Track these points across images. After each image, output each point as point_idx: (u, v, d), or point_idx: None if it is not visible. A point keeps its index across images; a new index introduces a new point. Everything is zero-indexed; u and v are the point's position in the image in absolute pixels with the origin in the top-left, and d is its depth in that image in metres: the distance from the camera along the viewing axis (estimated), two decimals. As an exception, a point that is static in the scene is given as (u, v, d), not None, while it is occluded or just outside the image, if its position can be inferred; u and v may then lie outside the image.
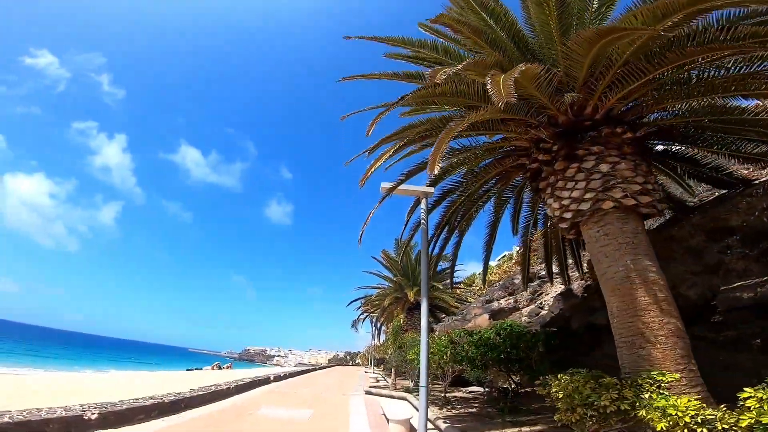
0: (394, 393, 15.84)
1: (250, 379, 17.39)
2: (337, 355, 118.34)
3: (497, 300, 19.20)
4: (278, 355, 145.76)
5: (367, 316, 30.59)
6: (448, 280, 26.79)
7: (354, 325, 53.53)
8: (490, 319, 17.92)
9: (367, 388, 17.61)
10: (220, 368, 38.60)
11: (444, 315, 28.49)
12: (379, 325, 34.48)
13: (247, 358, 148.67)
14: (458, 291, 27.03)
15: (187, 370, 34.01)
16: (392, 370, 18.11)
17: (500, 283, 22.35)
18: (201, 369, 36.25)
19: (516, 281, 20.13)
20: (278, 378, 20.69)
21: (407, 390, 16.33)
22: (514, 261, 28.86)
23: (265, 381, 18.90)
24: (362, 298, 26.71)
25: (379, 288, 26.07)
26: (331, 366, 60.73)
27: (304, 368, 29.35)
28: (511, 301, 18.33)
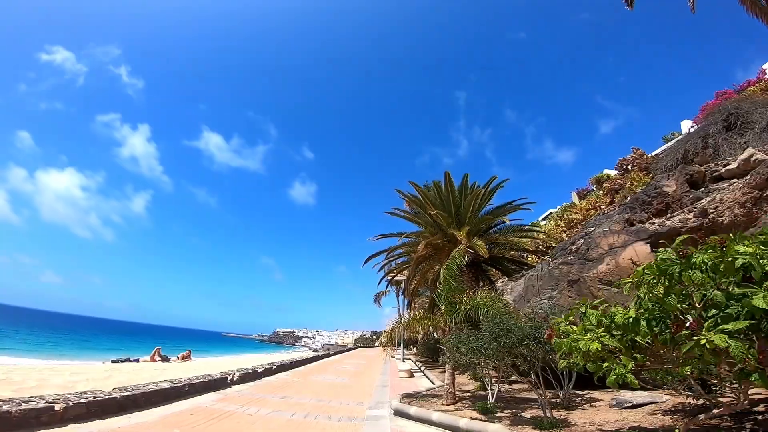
0: (461, 421, 6.44)
1: (169, 386, 8.39)
2: (363, 335, 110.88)
3: (646, 221, 9.32)
4: (306, 337, 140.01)
5: (390, 282, 21.26)
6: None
7: (377, 299, 44.45)
8: (653, 252, 8.25)
9: (397, 404, 8.25)
10: (164, 359, 24.41)
11: (503, 277, 18.90)
12: (406, 299, 24.80)
13: (277, 341, 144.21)
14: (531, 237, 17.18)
15: (113, 362, 23.95)
16: (448, 366, 8.62)
17: (629, 198, 12.39)
18: (137, 360, 25.23)
19: (668, 188, 10.21)
20: (249, 376, 11.69)
21: (485, 409, 6.91)
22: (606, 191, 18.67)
23: (215, 385, 9.91)
24: (384, 252, 17.36)
25: (406, 237, 16.61)
26: (356, 348, 51.92)
27: (316, 354, 20.35)
28: (688, 216, 8.45)
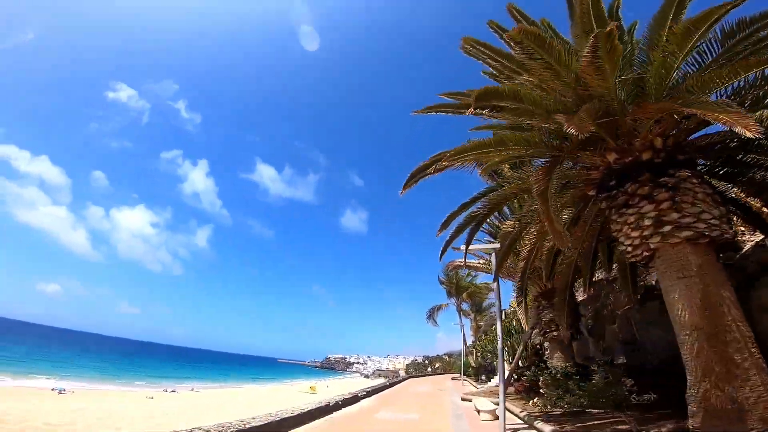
0: None
1: None
2: (415, 360, 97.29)
3: None
4: (357, 362, 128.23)
5: (468, 240, 10.76)
6: None
7: (431, 315, 33.25)
8: None
9: None
10: None
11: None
12: (517, 281, 13.37)
13: (329, 366, 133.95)
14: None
15: None
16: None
17: None
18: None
19: None
20: None
21: None
22: None
23: None
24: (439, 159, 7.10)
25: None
26: (407, 378, 40.22)
27: (323, 404, 10.11)
28: None
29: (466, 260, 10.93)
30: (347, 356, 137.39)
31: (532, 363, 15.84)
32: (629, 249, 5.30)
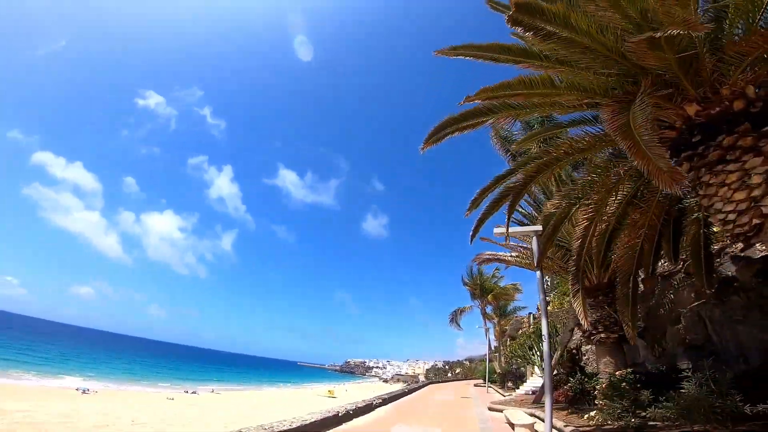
0: None
1: None
2: (435, 365, 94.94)
3: None
4: (377, 367, 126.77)
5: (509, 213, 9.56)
6: None
7: (454, 318, 31.53)
8: None
9: None
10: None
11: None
12: (566, 271, 12.04)
13: (348, 370, 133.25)
14: None
15: None
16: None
17: None
18: None
19: None
20: None
21: None
22: None
23: None
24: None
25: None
26: (426, 384, 38.50)
27: (329, 414, 8.93)
28: None
29: (494, 251, 9.66)
30: (366, 360, 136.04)
31: (569, 370, 14.22)
32: (730, 218, 3.98)
